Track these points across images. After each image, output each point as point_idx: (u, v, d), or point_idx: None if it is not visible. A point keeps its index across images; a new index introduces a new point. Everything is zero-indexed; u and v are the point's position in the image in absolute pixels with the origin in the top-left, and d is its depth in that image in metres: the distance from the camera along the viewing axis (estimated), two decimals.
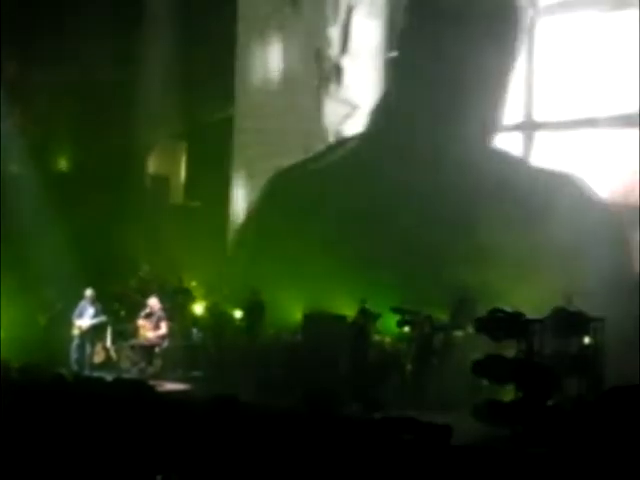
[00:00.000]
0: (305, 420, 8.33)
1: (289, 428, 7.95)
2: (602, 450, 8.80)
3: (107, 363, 16.99)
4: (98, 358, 16.95)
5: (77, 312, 16.58)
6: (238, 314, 17.50)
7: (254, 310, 16.85)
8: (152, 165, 22.65)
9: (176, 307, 17.81)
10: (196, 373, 16.65)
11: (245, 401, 9.05)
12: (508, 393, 12.06)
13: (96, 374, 15.07)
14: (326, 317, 15.78)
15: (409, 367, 14.64)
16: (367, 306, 15.21)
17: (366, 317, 15.15)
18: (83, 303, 16.67)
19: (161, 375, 16.13)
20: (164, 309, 17.05)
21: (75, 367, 16.17)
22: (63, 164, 21.11)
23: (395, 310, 14.96)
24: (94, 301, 16.69)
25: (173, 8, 20.13)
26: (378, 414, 11.13)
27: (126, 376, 15.22)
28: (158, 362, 16.70)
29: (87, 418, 8.49)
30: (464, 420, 10.97)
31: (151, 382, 12.86)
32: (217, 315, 17.85)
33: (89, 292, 16.70)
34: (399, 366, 14.76)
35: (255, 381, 14.79)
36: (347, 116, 18.11)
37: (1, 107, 18.89)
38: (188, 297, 18.63)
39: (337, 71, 18.09)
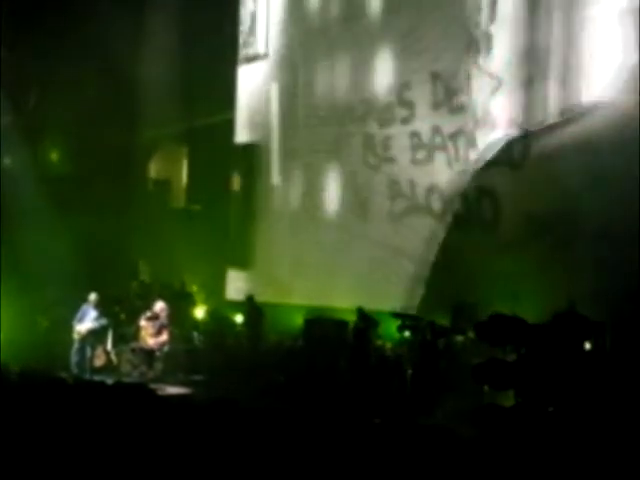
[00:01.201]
0: (305, 424, 8.33)
1: (288, 432, 7.95)
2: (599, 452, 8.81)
3: (108, 367, 16.99)
4: (99, 362, 16.95)
5: (79, 316, 16.60)
6: (239, 318, 17.52)
7: (253, 315, 16.86)
8: (154, 169, 22.70)
9: (177, 311, 17.81)
10: (197, 377, 16.66)
11: (246, 406, 9.06)
12: (509, 398, 12.04)
13: (97, 378, 15.09)
14: (327, 322, 15.76)
15: (410, 372, 14.61)
16: (366, 311, 15.24)
17: (367, 322, 15.14)
18: (85, 306, 16.69)
19: (162, 379, 16.15)
20: (169, 316, 17.08)
21: (75, 371, 16.21)
22: (65, 167, 21.13)
23: (396, 315, 14.93)
24: (97, 305, 16.71)
25: (175, 7, 20.15)
26: (378, 419, 11.13)
27: (126, 380, 15.21)
28: (159, 366, 16.71)
29: (87, 422, 8.48)
30: (465, 425, 10.96)
31: (152, 386, 12.85)
32: (218, 319, 17.86)
33: (93, 296, 16.72)
34: (400, 371, 14.74)
35: (256, 386, 14.79)
36: (494, 91, 15.33)
37: (1, 107, 18.93)
38: (189, 301, 18.65)
39: (487, 40, 15.57)
